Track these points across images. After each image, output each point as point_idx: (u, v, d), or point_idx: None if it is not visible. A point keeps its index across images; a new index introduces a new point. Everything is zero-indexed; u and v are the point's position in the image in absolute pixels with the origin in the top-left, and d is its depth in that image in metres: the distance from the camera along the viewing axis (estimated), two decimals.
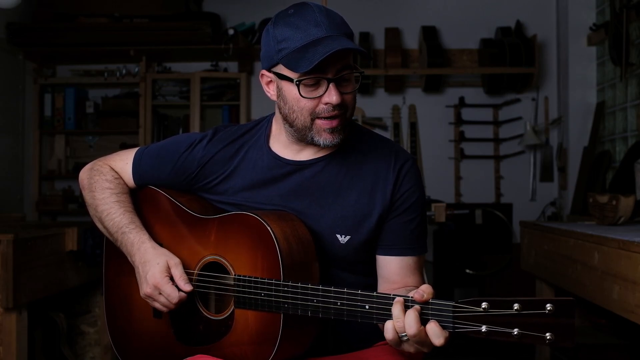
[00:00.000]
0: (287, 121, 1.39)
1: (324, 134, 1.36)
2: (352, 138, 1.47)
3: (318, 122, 1.35)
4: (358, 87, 1.38)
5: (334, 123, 1.35)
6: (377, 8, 4.82)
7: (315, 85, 1.33)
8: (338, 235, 1.41)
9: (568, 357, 2.88)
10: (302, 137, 1.39)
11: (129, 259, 1.47)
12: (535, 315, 1.06)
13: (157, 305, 1.41)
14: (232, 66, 4.83)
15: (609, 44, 3.65)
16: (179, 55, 4.75)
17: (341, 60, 1.31)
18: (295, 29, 1.31)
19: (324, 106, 1.33)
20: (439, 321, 1.14)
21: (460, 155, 4.79)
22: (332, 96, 1.32)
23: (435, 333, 1.13)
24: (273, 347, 1.30)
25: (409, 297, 1.18)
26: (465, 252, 4.34)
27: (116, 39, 4.51)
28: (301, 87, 1.32)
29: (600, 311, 2.93)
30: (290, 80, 1.33)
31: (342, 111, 1.35)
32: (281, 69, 1.35)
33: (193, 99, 4.63)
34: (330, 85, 1.32)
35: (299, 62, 1.29)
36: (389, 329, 1.17)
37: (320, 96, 1.33)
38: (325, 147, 1.39)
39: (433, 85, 4.62)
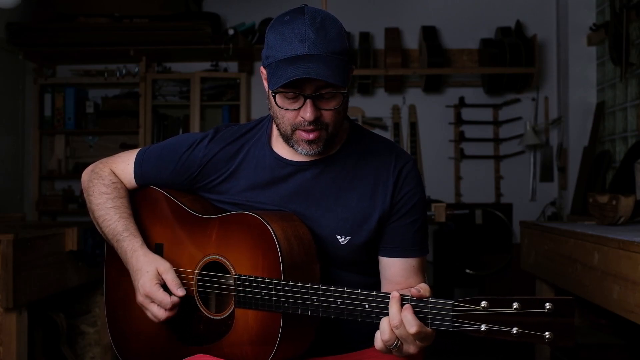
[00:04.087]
0: (275, 122, 1.42)
1: (302, 143, 1.37)
2: (352, 139, 1.48)
3: (297, 132, 1.36)
4: (343, 102, 1.35)
5: (311, 136, 1.35)
6: (377, 8, 4.82)
7: (295, 98, 1.33)
8: (338, 236, 1.41)
9: (568, 357, 2.88)
10: (286, 141, 1.40)
11: (126, 266, 1.49)
12: (535, 314, 1.06)
13: (149, 314, 1.42)
14: (232, 66, 4.83)
15: (609, 44, 3.65)
16: (179, 55, 4.76)
17: (320, 80, 1.29)
18: (282, 39, 1.31)
19: (301, 119, 1.34)
20: (438, 320, 1.14)
21: (460, 155, 4.79)
22: (306, 113, 1.32)
23: (408, 322, 1.15)
24: (273, 347, 1.30)
25: (407, 295, 1.18)
26: (465, 252, 4.35)
27: (116, 39, 4.51)
28: (278, 98, 1.33)
29: (600, 311, 2.93)
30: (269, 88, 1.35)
31: (321, 127, 1.35)
32: (267, 74, 1.36)
33: (193, 99, 4.63)
34: (307, 102, 1.31)
35: (272, 78, 1.31)
36: (386, 330, 1.18)
37: (297, 109, 1.33)
38: (304, 155, 1.40)
39: (433, 85, 4.62)
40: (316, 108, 1.32)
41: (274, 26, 1.35)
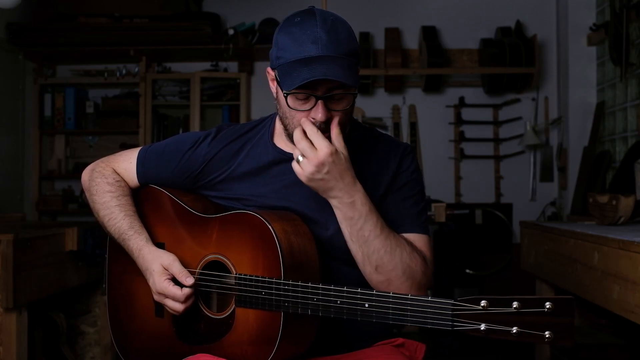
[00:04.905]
0: (282, 122, 1.42)
1: None
2: (353, 133, 1.49)
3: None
4: (353, 102, 1.37)
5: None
6: (377, 8, 4.82)
7: (306, 99, 1.34)
8: None
9: (568, 357, 2.88)
10: (292, 140, 1.40)
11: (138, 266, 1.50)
12: (534, 314, 1.06)
13: (168, 310, 1.44)
14: (232, 66, 4.83)
15: (609, 44, 3.65)
16: (179, 55, 4.75)
17: (333, 81, 1.30)
18: (293, 41, 1.32)
19: (312, 120, 1.34)
20: (438, 319, 1.14)
21: (460, 155, 4.79)
22: (317, 113, 1.33)
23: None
24: (273, 347, 1.30)
25: (407, 295, 1.19)
26: (465, 252, 4.34)
27: (116, 39, 4.51)
28: (290, 98, 1.34)
29: (600, 311, 2.93)
30: (282, 88, 1.35)
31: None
32: (277, 75, 1.37)
33: (193, 99, 4.63)
34: (319, 102, 1.32)
35: (286, 79, 1.31)
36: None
37: (309, 110, 1.34)
38: None
39: (433, 85, 4.62)
40: (327, 109, 1.33)
41: (284, 27, 1.35)
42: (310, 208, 1.43)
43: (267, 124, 1.54)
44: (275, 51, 1.36)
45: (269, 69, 1.43)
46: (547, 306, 1.05)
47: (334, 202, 1.35)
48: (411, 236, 1.43)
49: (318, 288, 1.27)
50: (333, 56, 1.30)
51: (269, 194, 1.47)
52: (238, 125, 1.57)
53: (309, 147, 1.30)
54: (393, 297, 1.19)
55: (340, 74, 1.28)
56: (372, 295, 1.22)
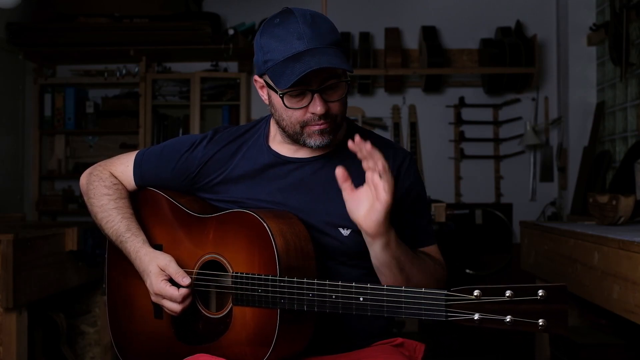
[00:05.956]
0: (279, 125, 1.42)
1: (314, 136, 1.39)
2: (351, 136, 1.48)
3: (307, 127, 1.38)
4: (347, 91, 1.38)
5: (323, 126, 1.37)
6: (377, 8, 4.82)
7: (301, 95, 1.34)
8: (340, 229, 1.43)
9: (568, 356, 2.88)
10: (295, 140, 1.42)
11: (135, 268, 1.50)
12: (528, 302, 1.07)
13: (167, 310, 1.44)
14: (232, 66, 4.83)
15: (609, 44, 3.65)
16: (179, 55, 4.76)
17: (325, 71, 1.31)
18: (278, 41, 1.32)
19: (311, 115, 1.35)
20: (432, 310, 1.15)
21: (460, 155, 4.79)
22: (316, 107, 1.33)
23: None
24: (270, 344, 1.31)
25: (401, 288, 1.20)
26: (465, 252, 4.34)
27: (116, 39, 4.51)
28: (285, 98, 1.34)
29: (600, 311, 2.93)
30: (276, 91, 1.35)
31: (330, 119, 1.37)
32: (268, 79, 1.37)
33: (193, 99, 4.63)
34: (315, 96, 1.33)
35: (280, 78, 1.31)
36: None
37: (306, 106, 1.34)
38: (316, 148, 1.41)
39: (433, 85, 4.62)
40: (324, 101, 1.33)
41: (266, 31, 1.35)
42: (308, 209, 1.43)
43: (262, 125, 1.54)
44: (261, 56, 1.36)
45: (256, 77, 1.43)
46: (540, 294, 1.06)
47: (385, 241, 1.30)
48: (427, 248, 1.48)
49: (313, 283, 1.27)
50: (321, 47, 1.30)
51: (265, 197, 1.47)
52: (234, 127, 1.57)
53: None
54: (387, 290, 1.20)
55: (335, 61, 1.29)
56: (367, 288, 1.22)
